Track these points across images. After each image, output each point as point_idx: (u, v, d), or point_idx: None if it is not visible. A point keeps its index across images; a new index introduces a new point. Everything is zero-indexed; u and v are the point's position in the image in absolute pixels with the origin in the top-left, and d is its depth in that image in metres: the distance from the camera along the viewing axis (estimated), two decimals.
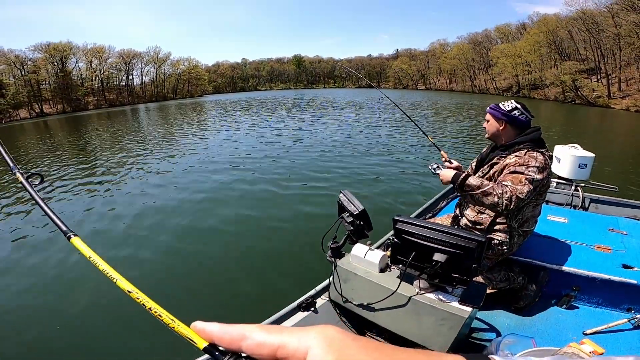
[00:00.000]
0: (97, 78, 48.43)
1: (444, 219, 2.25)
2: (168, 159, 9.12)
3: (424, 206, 2.97)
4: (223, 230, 4.50)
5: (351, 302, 1.62)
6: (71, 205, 5.83)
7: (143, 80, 55.30)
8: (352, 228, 1.60)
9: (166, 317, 0.39)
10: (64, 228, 0.69)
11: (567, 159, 3.50)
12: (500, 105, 1.84)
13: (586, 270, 1.98)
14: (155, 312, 0.42)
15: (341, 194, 1.73)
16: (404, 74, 69.25)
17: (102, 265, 0.54)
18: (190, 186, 6.53)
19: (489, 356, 0.26)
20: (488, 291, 1.87)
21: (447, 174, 1.75)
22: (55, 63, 43.41)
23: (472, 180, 1.66)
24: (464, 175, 1.70)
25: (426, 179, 6.33)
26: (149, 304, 0.44)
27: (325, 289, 1.85)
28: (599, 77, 31.92)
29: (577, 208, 3.30)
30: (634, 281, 1.90)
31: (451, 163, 2.00)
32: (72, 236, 0.65)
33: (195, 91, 62.35)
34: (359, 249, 1.65)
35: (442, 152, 2.19)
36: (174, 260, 3.81)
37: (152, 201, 5.79)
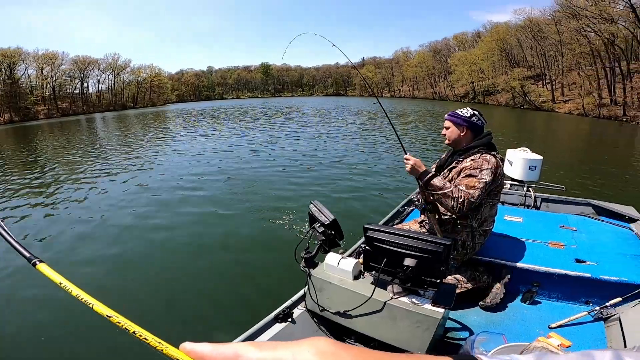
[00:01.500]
0: (49, 86, 45.12)
1: (411, 224, 2.32)
2: (123, 172, 8.58)
3: (392, 212, 3.00)
4: (191, 246, 4.29)
5: (328, 311, 1.62)
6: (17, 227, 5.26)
7: (100, 88, 52.26)
8: (324, 238, 1.63)
9: (152, 340, 0.35)
10: (27, 255, 0.59)
11: (518, 161, 3.71)
12: (459, 112, 1.96)
13: (543, 267, 2.09)
14: (140, 335, 0.37)
15: (311, 205, 1.75)
16: (369, 81, 71.18)
17: (75, 290, 0.48)
18: (151, 200, 6.19)
19: (477, 356, 0.27)
20: (457, 291, 1.94)
21: (419, 165, 1.80)
22: (3, 70, 40.06)
23: (437, 181, 1.74)
24: (431, 174, 1.77)
25: (394, 186, 6.48)
26: (132, 327, 0.38)
27: (301, 299, 1.84)
28: (544, 83, 34.80)
29: (530, 207, 3.49)
30: (587, 274, 2.01)
31: None
32: (37, 262, 0.57)
33: (157, 100, 59.95)
34: (332, 257, 1.67)
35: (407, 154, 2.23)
36: (142, 278, 3.60)
37: (109, 216, 5.43)
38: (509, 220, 2.83)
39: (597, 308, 1.92)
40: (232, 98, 75.99)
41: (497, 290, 2.02)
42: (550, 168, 7.29)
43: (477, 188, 1.73)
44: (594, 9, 26.01)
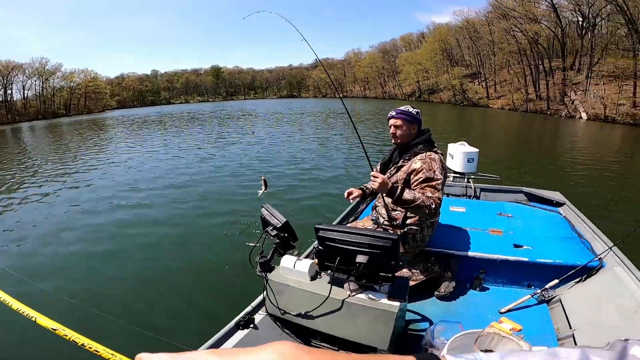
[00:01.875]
0: None
1: (365, 222, 2.33)
2: (59, 188, 7.63)
3: (346, 211, 2.99)
4: (142, 261, 4.04)
5: (289, 313, 1.62)
6: None
7: (25, 95, 46.51)
8: (278, 241, 1.63)
9: (104, 352, 0.36)
10: None
11: (458, 155, 3.91)
12: (405, 109, 1.99)
13: (486, 254, 2.17)
14: (90, 347, 0.38)
15: (263, 209, 1.75)
16: (323, 83, 72.12)
17: (16, 304, 0.47)
18: (98, 212, 5.73)
19: (441, 356, 0.27)
20: (412, 283, 2.00)
21: (387, 181, 1.79)
22: None
23: (407, 195, 1.77)
24: (400, 188, 1.77)
25: (349, 185, 6.52)
26: (81, 340, 0.39)
27: (261, 304, 1.82)
28: (480, 81, 37.95)
29: (471, 198, 3.66)
30: (525, 259, 2.11)
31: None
32: None
33: (94, 106, 55.06)
34: (287, 260, 1.67)
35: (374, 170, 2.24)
36: (94, 293, 3.40)
37: (57, 228, 5.04)
38: (453, 211, 2.94)
39: (539, 291, 2.00)
40: (181, 103, 72.62)
41: (449, 279, 2.10)
42: (486, 160, 7.84)
43: (439, 190, 1.84)
44: (521, 9, 28.94)
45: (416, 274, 2.05)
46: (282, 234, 1.63)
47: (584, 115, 22.67)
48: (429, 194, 1.80)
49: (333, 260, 1.47)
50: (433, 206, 1.78)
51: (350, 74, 67.50)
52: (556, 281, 2.01)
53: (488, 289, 2.18)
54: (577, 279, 2.04)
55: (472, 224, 2.60)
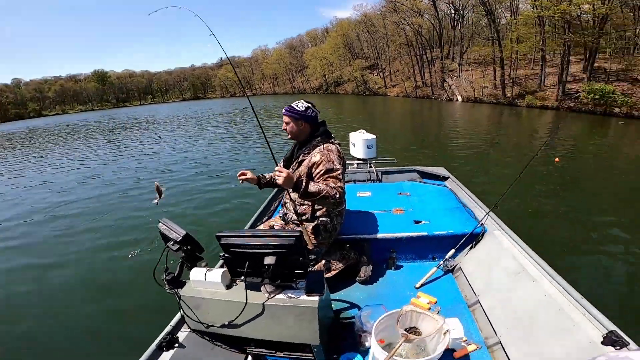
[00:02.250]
0: None
1: (276, 220, 2.31)
2: None
3: (258, 211, 2.87)
4: (39, 313, 3.31)
5: (214, 326, 1.55)
6: None
7: None
8: (183, 254, 1.57)
9: None
10: None
11: (359, 142, 4.07)
12: (294, 106, 1.99)
13: (393, 233, 2.26)
14: None
15: (160, 224, 1.65)
16: (230, 82, 69.33)
17: None
18: None
19: None
20: (333, 273, 2.05)
21: (292, 176, 1.74)
22: None
23: (313, 187, 1.76)
24: (305, 182, 1.76)
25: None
26: None
27: (181, 321, 1.69)
28: (378, 71, 41.56)
29: (375, 182, 3.85)
30: (424, 233, 2.24)
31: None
32: None
33: None
34: (197, 272, 1.59)
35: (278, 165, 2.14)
36: None
37: None
38: (360, 196, 3.04)
39: (442, 262, 2.13)
40: (57, 114, 61.13)
41: (365, 263, 2.16)
42: (385, 144, 8.54)
43: (340, 179, 1.88)
44: (408, 3, 32.30)
45: (335, 264, 2.09)
46: (185, 247, 1.56)
47: (459, 98, 26.84)
48: (332, 185, 1.84)
49: (243, 266, 1.44)
50: (337, 195, 1.81)
51: (258, 72, 66.41)
52: (453, 251, 2.16)
53: (402, 266, 2.27)
54: (469, 246, 2.20)
55: (378, 207, 2.70)
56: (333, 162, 1.89)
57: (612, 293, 3.01)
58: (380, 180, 3.90)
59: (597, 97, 16.49)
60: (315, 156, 1.92)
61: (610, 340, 1.21)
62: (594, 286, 3.05)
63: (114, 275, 3.78)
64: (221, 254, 1.47)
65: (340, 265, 2.10)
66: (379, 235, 2.26)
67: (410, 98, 31.93)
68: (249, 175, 2.06)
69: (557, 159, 6.92)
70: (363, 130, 4.23)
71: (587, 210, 4.78)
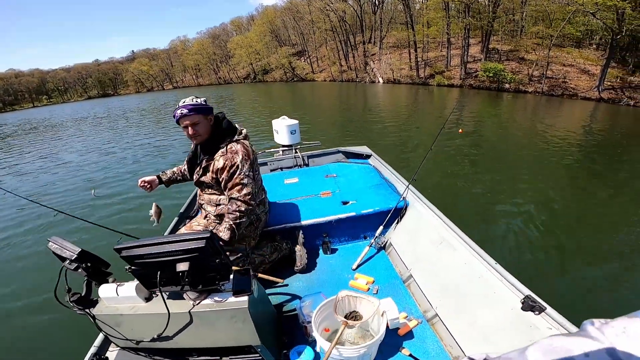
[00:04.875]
0: None
1: (200, 219, 2.13)
2: None
3: (180, 211, 2.69)
4: None
5: (144, 341, 1.43)
6: None
7: None
8: (85, 272, 1.43)
9: None
10: None
11: (282, 129, 4.07)
12: (193, 102, 1.73)
13: (323, 217, 2.23)
14: None
15: (50, 243, 1.47)
16: (145, 76, 62.77)
17: None
18: None
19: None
20: (267, 266, 1.96)
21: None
22: None
23: (224, 234, 1.69)
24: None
25: (173, 189, 5.89)
26: None
27: (107, 341, 1.58)
28: (305, 58, 41.61)
29: (301, 167, 3.84)
30: (353, 213, 2.22)
31: None
32: None
33: None
34: (106, 289, 1.46)
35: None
36: None
37: None
38: (288, 183, 2.96)
39: (373, 240, 2.14)
40: None
41: (300, 252, 2.08)
42: (314, 128, 8.66)
43: (246, 184, 1.73)
44: None
45: (267, 256, 2.00)
46: (85, 265, 1.41)
47: (380, 80, 28.53)
48: (235, 195, 1.71)
49: (156, 276, 1.32)
50: (243, 208, 1.70)
51: (178, 63, 61.16)
52: (382, 227, 2.17)
53: (337, 249, 2.25)
54: (396, 221, 2.24)
55: (306, 192, 2.66)
56: (237, 167, 1.73)
57: (522, 259, 3.18)
58: (307, 165, 3.91)
59: (491, 75, 19.05)
60: (219, 161, 1.75)
61: (528, 305, 1.24)
62: (505, 253, 3.27)
63: (19, 309, 3.18)
64: (126, 267, 1.34)
65: (274, 257, 2.03)
66: (310, 221, 2.21)
67: (336, 82, 32.86)
68: (148, 178, 1.94)
69: (460, 130, 7.88)
70: (285, 117, 4.24)
71: (492, 178, 5.35)
